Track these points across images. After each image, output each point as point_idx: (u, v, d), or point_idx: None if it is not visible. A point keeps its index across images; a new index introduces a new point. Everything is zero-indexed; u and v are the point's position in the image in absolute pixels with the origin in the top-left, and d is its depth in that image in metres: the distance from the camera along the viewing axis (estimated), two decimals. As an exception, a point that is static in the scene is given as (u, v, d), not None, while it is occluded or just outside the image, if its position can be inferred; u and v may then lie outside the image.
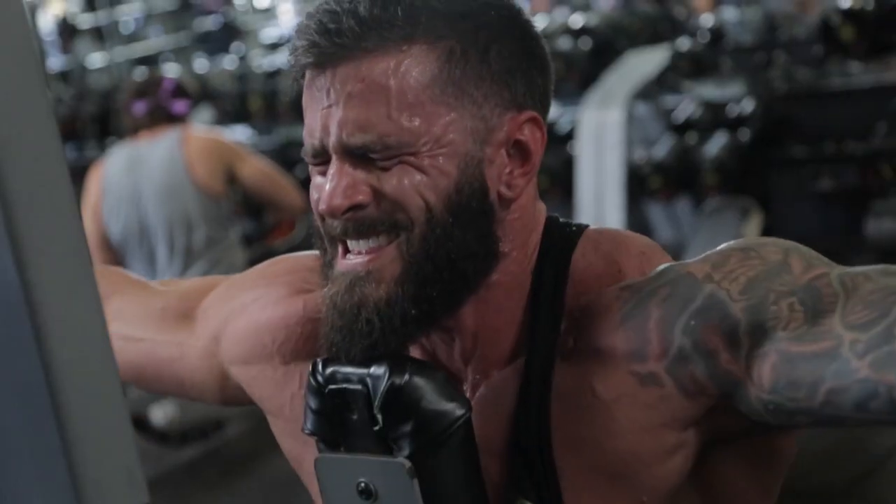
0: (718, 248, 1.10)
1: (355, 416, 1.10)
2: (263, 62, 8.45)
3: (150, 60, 10.39)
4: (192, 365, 1.33)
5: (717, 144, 5.58)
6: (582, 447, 1.12)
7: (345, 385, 1.10)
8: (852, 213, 5.39)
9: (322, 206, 1.09)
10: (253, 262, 4.44)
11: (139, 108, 4.35)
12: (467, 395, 1.16)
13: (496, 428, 1.15)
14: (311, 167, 1.14)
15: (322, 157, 1.11)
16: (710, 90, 5.93)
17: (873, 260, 5.86)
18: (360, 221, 1.09)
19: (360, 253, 1.11)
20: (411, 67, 1.08)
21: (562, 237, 1.17)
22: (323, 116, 1.09)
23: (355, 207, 1.09)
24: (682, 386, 1.08)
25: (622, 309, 1.10)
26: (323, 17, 1.09)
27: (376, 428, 1.08)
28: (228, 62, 8.84)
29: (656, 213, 6.07)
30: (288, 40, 10.21)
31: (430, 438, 1.07)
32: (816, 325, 1.01)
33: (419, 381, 1.08)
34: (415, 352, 1.18)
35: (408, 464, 1.07)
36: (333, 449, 1.13)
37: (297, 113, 7.32)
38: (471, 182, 1.10)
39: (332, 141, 1.09)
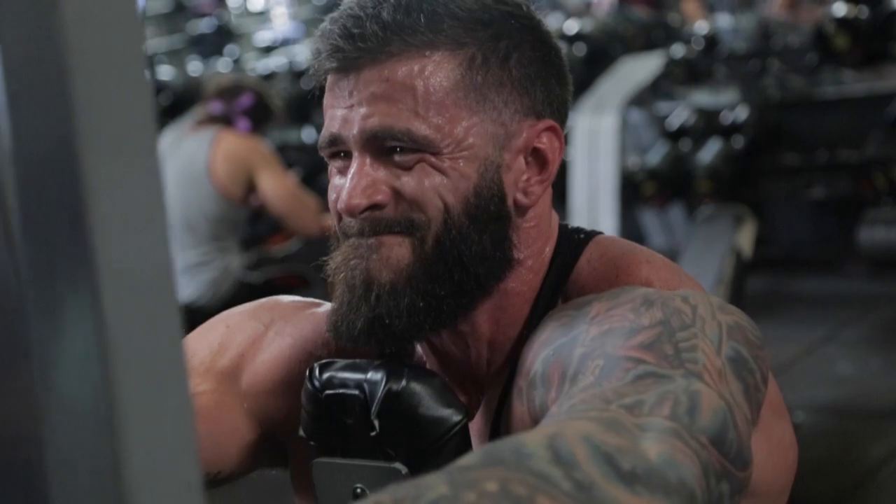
0: (646, 290, 1.06)
1: (352, 422, 1.10)
2: (257, 65, 8.45)
3: (144, 63, 10.38)
4: (210, 416, 1.23)
5: (710, 152, 5.59)
6: None
7: (342, 390, 1.10)
8: (845, 221, 5.41)
9: (341, 205, 1.10)
10: (248, 266, 4.48)
11: (214, 107, 4.45)
12: (484, 398, 1.17)
13: (482, 437, 1.15)
14: (330, 168, 1.14)
15: (338, 147, 1.12)
16: (704, 97, 5.94)
17: (865, 268, 5.89)
18: (377, 221, 1.10)
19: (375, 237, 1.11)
20: (435, 71, 1.09)
21: (570, 244, 1.18)
22: (345, 113, 1.10)
23: (374, 207, 1.09)
24: (530, 409, 1.07)
25: (544, 325, 1.10)
26: (347, 22, 1.10)
27: (373, 433, 1.08)
28: (222, 65, 8.84)
29: (649, 219, 6.08)
30: (282, 43, 10.23)
31: (427, 444, 1.07)
32: (584, 392, 0.95)
33: (416, 387, 1.08)
34: (431, 357, 1.18)
35: (404, 469, 1.07)
36: (330, 454, 1.13)
37: (290, 116, 7.33)
38: (489, 186, 1.10)
39: (353, 133, 1.09)
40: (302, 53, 8.70)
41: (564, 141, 1.16)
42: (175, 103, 6.97)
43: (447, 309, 1.10)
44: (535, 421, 1.04)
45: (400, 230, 1.09)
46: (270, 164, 4.46)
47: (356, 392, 1.09)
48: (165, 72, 9.12)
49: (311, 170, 6.85)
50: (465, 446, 1.09)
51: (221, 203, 4.37)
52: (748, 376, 0.98)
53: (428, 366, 1.20)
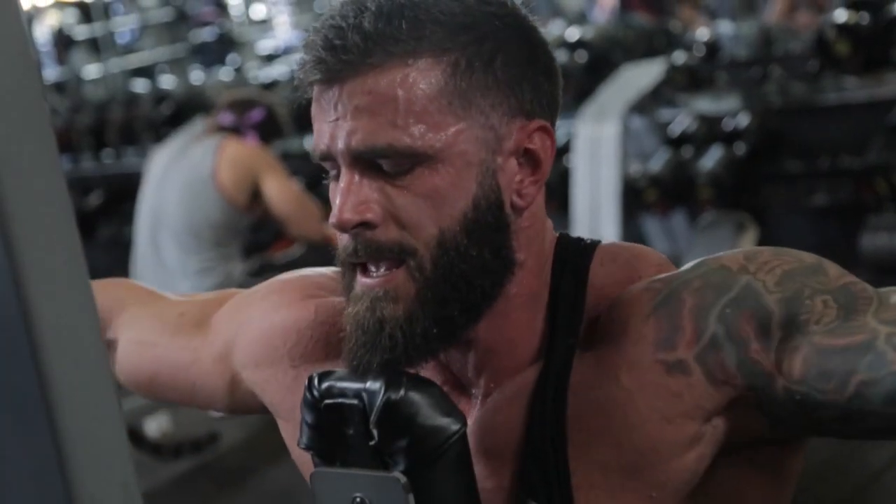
0: (743, 248, 1.13)
1: (351, 431, 1.10)
2: (259, 74, 8.45)
3: (146, 72, 10.40)
4: (204, 369, 1.35)
5: (712, 158, 5.58)
6: (598, 443, 1.12)
7: (341, 400, 1.10)
8: (847, 227, 5.40)
9: (332, 220, 1.11)
10: (251, 273, 4.48)
11: (224, 118, 4.47)
12: (478, 403, 1.18)
13: (508, 434, 1.15)
14: (330, 175, 1.15)
15: (331, 161, 1.12)
16: (705, 104, 5.94)
17: (867, 275, 5.86)
18: (369, 243, 1.10)
19: (376, 274, 1.11)
20: (417, 80, 1.09)
21: (577, 249, 1.19)
22: (331, 128, 1.10)
23: (365, 224, 1.10)
24: (709, 374, 1.08)
25: (654, 299, 1.11)
26: (329, 33, 1.09)
27: (372, 443, 1.08)
28: (224, 74, 8.84)
29: (652, 226, 6.07)
30: (284, 52, 10.24)
31: (426, 453, 1.07)
32: (850, 321, 1.04)
33: (415, 396, 1.08)
34: (428, 363, 1.18)
35: (403, 479, 1.07)
36: (329, 463, 1.13)
37: (293, 125, 7.34)
38: (487, 195, 1.11)
39: (340, 149, 1.10)
40: (304, 62, 8.70)
41: (560, 139, 1.18)
42: (177, 112, 6.97)
43: (459, 325, 1.12)
44: (724, 382, 1.08)
45: (392, 256, 1.09)
46: (275, 170, 4.47)
47: (355, 401, 1.09)
48: (167, 81, 9.14)
49: (313, 178, 6.85)
50: (464, 455, 1.09)
51: (226, 209, 4.38)
52: None
53: (423, 373, 1.19)
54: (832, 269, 1.10)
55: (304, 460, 1.25)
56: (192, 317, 1.39)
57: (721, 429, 1.11)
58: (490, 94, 1.11)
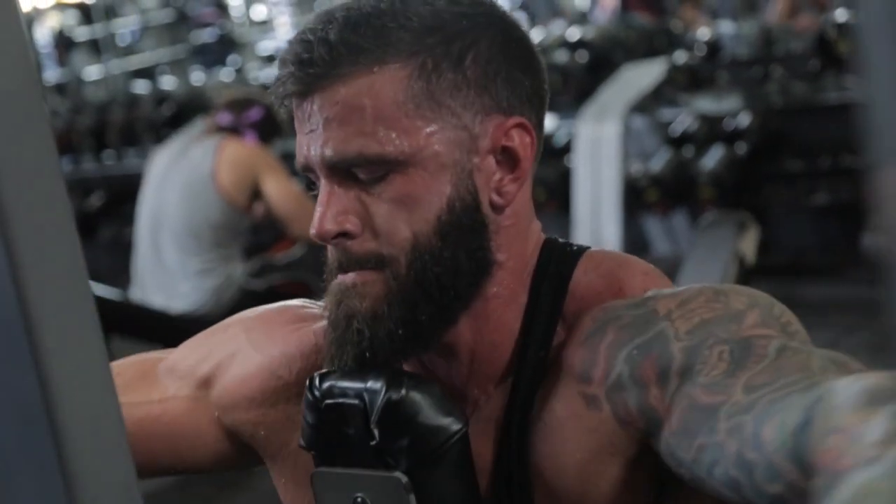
0: (700, 285, 1.09)
1: (352, 431, 1.10)
2: (260, 74, 8.46)
3: (147, 73, 10.41)
4: (179, 421, 1.25)
5: (713, 158, 5.58)
6: (549, 467, 1.12)
7: (341, 400, 1.10)
8: (848, 227, 5.40)
9: (312, 231, 1.11)
10: (251, 274, 4.48)
11: (223, 118, 4.47)
12: (469, 412, 1.16)
13: (485, 445, 1.14)
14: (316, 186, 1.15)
15: (312, 173, 1.13)
16: (706, 103, 5.94)
17: (869, 274, 5.87)
18: (349, 253, 1.10)
19: (353, 273, 1.11)
20: (384, 87, 1.08)
21: (562, 255, 1.17)
22: (307, 140, 1.11)
23: (344, 234, 1.10)
24: (616, 413, 1.07)
25: (591, 327, 1.10)
26: (298, 48, 1.10)
27: (373, 443, 1.08)
28: (225, 74, 8.85)
29: (653, 226, 6.07)
30: (285, 53, 10.28)
31: (427, 453, 1.07)
32: (729, 378, 0.98)
33: (416, 395, 1.07)
34: (415, 370, 1.17)
35: (404, 479, 1.07)
36: (330, 464, 1.13)
37: (292, 126, 7.33)
38: (463, 197, 1.10)
39: (316, 161, 1.10)
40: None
41: (543, 143, 1.16)
42: (178, 113, 6.98)
43: (428, 329, 1.10)
44: (627, 424, 1.06)
45: (372, 266, 1.10)
46: (275, 170, 4.47)
47: (356, 401, 1.09)
48: (168, 82, 9.14)
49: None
50: (465, 455, 1.09)
51: (226, 210, 4.38)
52: None
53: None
54: (752, 317, 1.03)
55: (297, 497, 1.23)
56: (135, 371, 1.29)
57: (650, 470, 1.08)
58: (460, 94, 1.10)
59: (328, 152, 1.09)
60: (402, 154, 1.08)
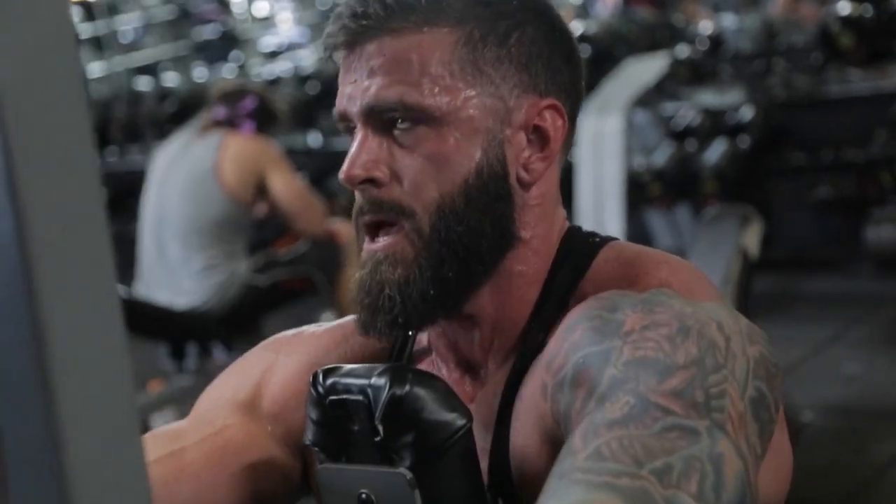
0: (687, 310, 1.05)
1: (356, 427, 1.10)
2: (262, 70, 8.46)
3: (150, 70, 10.41)
4: (243, 445, 1.25)
5: (716, 152, 5.58)
6: (518, 446, 1.13)
7: (346, 396, 1.10)
8: (851, 220, 5.39)
9: (341, 175, 1.15)
10: (256, 270, 4.48)
11: (218, 112, 4.48)
12: (482, 382, 1.20)
13: (486, 429, 1.16)
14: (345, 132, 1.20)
15: (346, 122, 1.18)
16: (709, 97, 5.93)
17: (872, 267, 5.87)
18: (374, 201, 1.15)
19: (381, 241, 1.16)
20: (432, 46, 1.14)
21: (584, 243, 1.20)
22: (349, 89, 1.16)
23: (371, 181, 1.15)
24: (553, 409, 1.07)
25: (573, 318, 1.10)
26: (353, 3, 1.16)
27: (377, 438, 1.08)
28: (227, 71, 8.85)
29: (656, 220, 6.07)
30: (287, 49, 10.24)
31: (431, 449, 1.07)
32: (606, 430, 0.95)
33: (420, 391, 1.08)
34: (439, 341, 1.22)
35: (409, 474, 1.07)
36: (335, 460, 1.13)
37: (295, 121, 7.32)
38: (492, 164, 1.14)
39: (356, 108, 1.15)
40: (307, 58, 8.71)
41: (573, 117, 1.19)
42: (181, 110, 6.98)
43: (456, 290, 1.14)
44: (556, 423, 1.07)
45: (392, 217, 1.14)
46: (280, 164, 4.47)
47: (360, 397, 1.09)
48: (171, 78, 9.14)
49: (317, 174, 6.84)
50: (469, 450, 1.09)
51: (229, 206, 4.38)
52: (764, 413, 1.02)
53: (436, 354, 1.24)
54: (681, 377, 0.99)
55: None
56: (168, 432, 1.28)
57: None
58: (502, 66, 1.15)
59: (369, 97, 1.14)
60: (439, 109, 1.13)
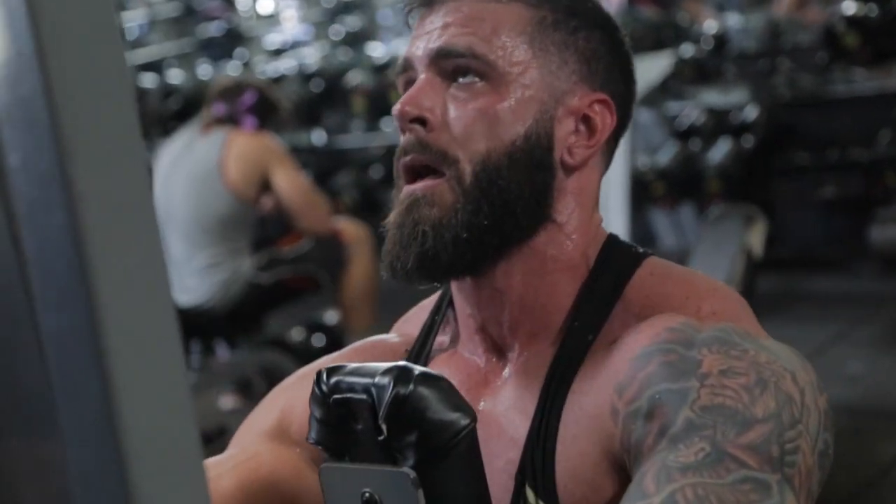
0: (762, 357, 1.08)
1: (360, 426, 1.09)
2: (267, 68, 8.46)
3: (154, 66, 10.41)
4: (275, 469, 1.30)
5: (720, 151, 5.58)
6: (575, 443, 1.15)
7: (349, 395, 1.10)
8: (856, 219, 5.39)
9: (395, 109, 1.19)
10: (259, 268, 4.47)
11: (218, 109, 4.47)
12: (510, 366, 1.22)
13: (521, 415, 1.19)
14: (400, 89, 1.24)
15: (408, 73, 1.23)
16: (713, 97, 5.93)
17: (876, 267, 5.87)
18: (421, 142, 1.18)
19: (421, 182, 1.19)
20: (507, 15, 1.20)
21: (627, 252, 1.23)
22: (419, 40, 1.22)
23: (421, 121, 1.18)
24: (622, 437, 1.10)
25: (646, 345, 1.12)
26: None
27: (381, 438, 1.08)
28: (232, 68, 8.85)
29: (660, 219, 6.07)
30: (291, 46, 10.24)
31: (435, 448, 1.07)
32: (679, 474, 1.00)
33: (424, 390, 1.07)
34: (467, 322, 1.26)
35: (412, 474, 1.07)
36: (338, 459, 1.13)
37: (299, 119, 7.30)
38: (539, 134, 1.18)
39: (422, 52, 1.20)
40: (311, 56, 8.71)
41: (621, 125, 1.24)
42: (185, 107, 6.98)
43: (489, 241, 1.18)
44: (624, 450, 1.10)
45: (435, 161, 1.18)
46: (284, 162, 4.47)
47: (364, 396, 1.09)
48: (175, 75, 9.14)
49: (321, 172, 6.84)
50: (473, 450, 1.09)
51: (234, 204, 4.38)
52: (826, 462, 1.08)
53: (461, 327, 1.27)
54: (758, 432, 1.03)
55: None
56: (233, 446, 1.34)
57: None
58: (566, 52, 1.21)
59: (438, 42, 1.19)
60: (503, 67, 1.18)
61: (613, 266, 1.21)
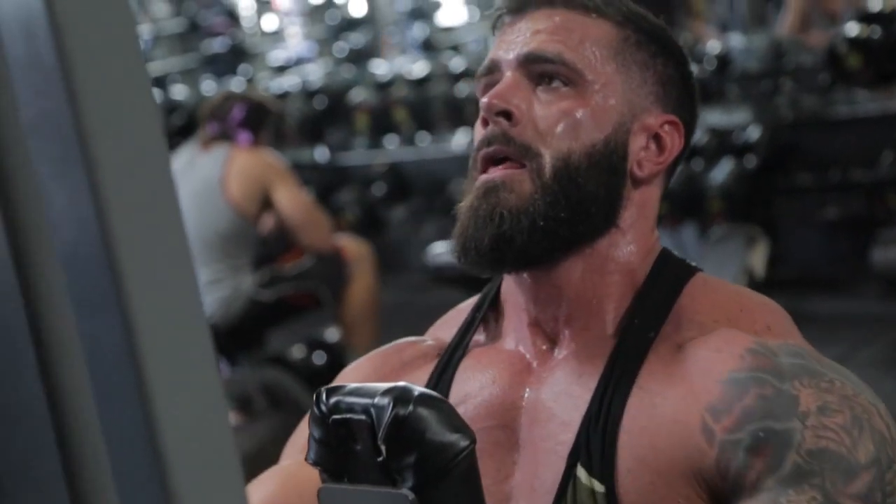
0: (849, 391, 1.15)
1: (359, 447, 1.09)
2: (271, 84, 8.47)
3: (158, 82, 10.43)
4: (309, 479, 1.30)
5: (723, 171, 5.57)
6: (642, 437, 1.19)
7: (349, 415, 1.10)
8: (858, 241, 5.38)
9: (483, 100, 1.24)
10: (261, 285, 4.47)
11: (211, 128, 4.48)
12: (560, 355, 1.27)
13: (576, 400, 1.23)
14: (479, 91, 1.28)
15: (492, 75, 1.27)
16: (716, 117, 5.93)
17: (879, 288, 5.86)
18: (505, 135, 1.23)
19: (500, 169, 1.23)
20: (596, 29, 1.26)
21: (680, 263, 1.30)
22: (506, 45, 1.27)
23: (507, 114, 1.23)
24: (719, 460, 1.15)
25: (736, 370, 1.17)
26: None
27: (380, 459, 1.07)
28: (236, 84, 8.86)
29: (662, 239, 6.06)
30: (295, 63, 10.26)
31: (434, 470, 1.06)
32: None
33: (423, 412, 1.07)
34: (520, 315, 1.29)
35: (411, 495, 1.06)
36: (337, 480, 1.12)
37: (303, 135, 7.30)
38: (617, 142, 1.24)
39: (511, 56, 1.25)
40: (315, 73, 8.73)
41: (686, 147, 1.29)
42: (189, 123, 6.99)
43: (562, 234, 1.23)
44: (717, 473, 1.15)
45: (517, 155, 1.22)
46: (285, 178, 4.47)
47: (363, 417, 1.08)
48: (179, 91, 9.16)
49: (324, 189, 6.85)
50: (472, 471, 1.09)
51: (235, 220, 4.38)
52: None
53: (509, 320, 1.32)
54: (864, 479, 1.11)
55: None
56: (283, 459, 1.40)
57: None
58: (646, 73, 1.27)
59: (530, 46, 1.25)
60: (588, 75, 1.24)
61: (668, 274, 1.27)
